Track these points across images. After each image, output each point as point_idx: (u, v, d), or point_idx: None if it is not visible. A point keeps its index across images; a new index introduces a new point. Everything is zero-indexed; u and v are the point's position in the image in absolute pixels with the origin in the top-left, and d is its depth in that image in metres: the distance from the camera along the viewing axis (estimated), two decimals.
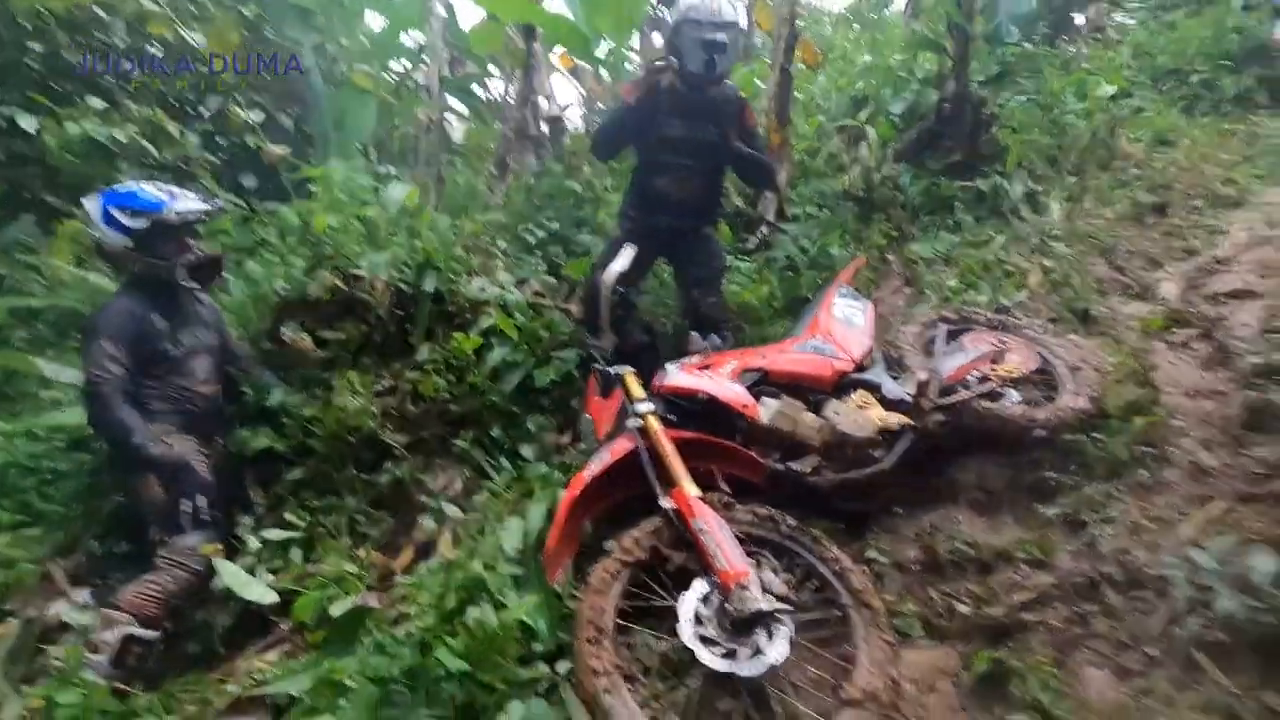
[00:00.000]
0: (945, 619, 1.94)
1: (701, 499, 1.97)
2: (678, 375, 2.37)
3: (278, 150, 4.68)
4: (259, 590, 2.25)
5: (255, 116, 5.19)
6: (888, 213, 4.66)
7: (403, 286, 3.19)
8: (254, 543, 2.53)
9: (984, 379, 2.54)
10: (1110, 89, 5.52)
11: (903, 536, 2.30)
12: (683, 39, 2.77)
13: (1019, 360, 2.66)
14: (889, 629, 1.84)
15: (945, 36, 4.95)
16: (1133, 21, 9.18)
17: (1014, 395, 2.62)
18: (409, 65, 6.72)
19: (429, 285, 3.17)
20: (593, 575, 1.89)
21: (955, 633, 1.89)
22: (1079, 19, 7.79)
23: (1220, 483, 2.11)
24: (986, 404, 2.46)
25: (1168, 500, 2.11)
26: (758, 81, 5.61)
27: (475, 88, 5.29)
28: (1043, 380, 2.73)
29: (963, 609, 1.91)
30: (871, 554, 2.22)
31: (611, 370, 2.39)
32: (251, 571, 2.40)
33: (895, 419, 2.33)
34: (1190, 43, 7.03)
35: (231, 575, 2.26)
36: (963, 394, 2.44)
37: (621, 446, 2.15)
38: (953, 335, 2.85)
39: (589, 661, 1.70)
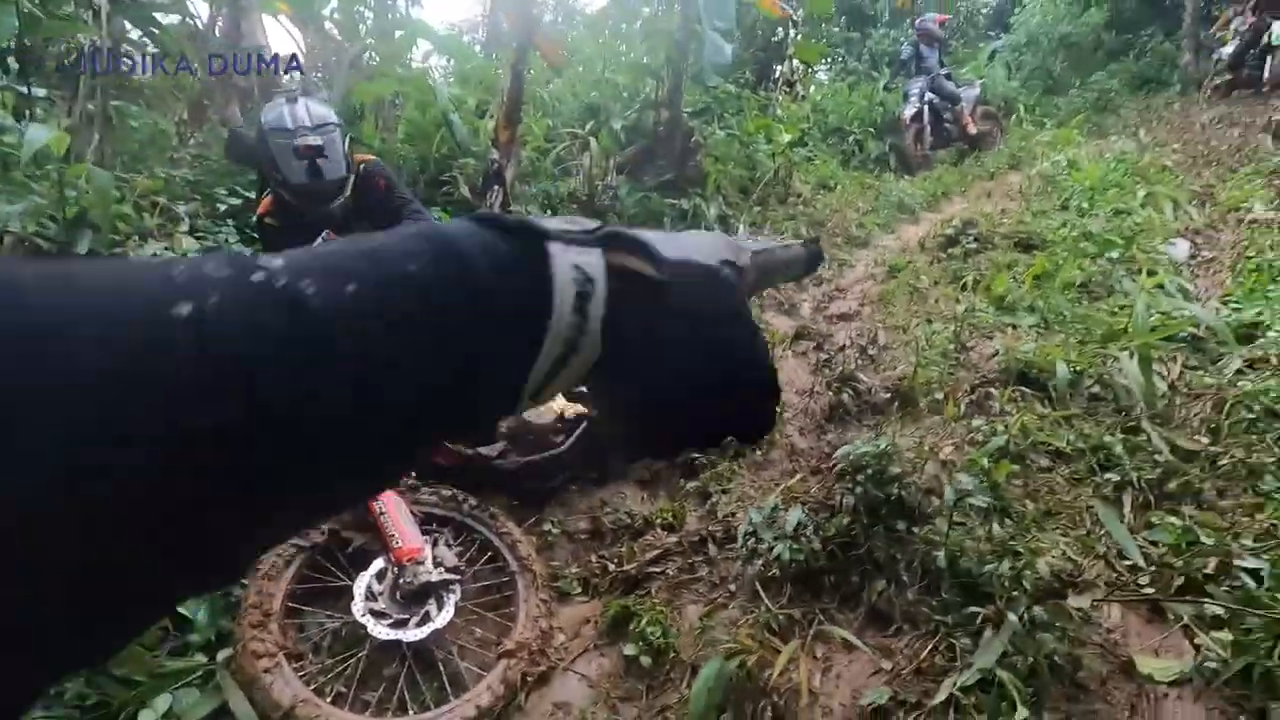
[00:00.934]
0: (599, 578, 2.31)
1: None
2: None
3: None
4: None
5: None
6: (605, 219, 5.10)
7: (43, 244, 2.73)
8: None
9: None
10: (789, 136, 6.67)
11: (577, 511, 2.66)
12: (277, 152, 2.31)
13: None
14: (548, 589, 2.14)
15: (664, 67, 5.57)
16: (825, 79, 11.13)
17: None
18: None
19: (83, 246, 2.76)
20: (262, 562, 1.90)
21: (605, 588, 2.27)
22: (777, 71, 9.22)
23: (805, 460, 2.80)
24: None
25: (770, 474, 2.74)
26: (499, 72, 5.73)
27: (166, 19, 4.57)
28: None
29: (612, 568, 2.29)
30: (547, 527, 2.53)
31: None
32: None
33: (574, 409, 2.67)
34: (852, 108, 8.77)
35: None
36: None
37: None
38: None
39: (251, 645, 1.72)
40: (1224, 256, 4.14)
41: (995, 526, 2.03)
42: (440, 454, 2.41)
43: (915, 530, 2.06)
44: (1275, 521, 2.00)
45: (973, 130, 8.31)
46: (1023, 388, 2.91)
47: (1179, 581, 1.83)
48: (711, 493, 2.61)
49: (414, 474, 2.26)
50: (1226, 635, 1.63)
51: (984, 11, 14.59)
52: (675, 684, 1.84)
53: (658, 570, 2.23)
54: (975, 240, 4.76)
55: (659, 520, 2.48)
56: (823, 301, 4.47)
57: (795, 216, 6.04)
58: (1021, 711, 1.52)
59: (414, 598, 1.92)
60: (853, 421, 2.97)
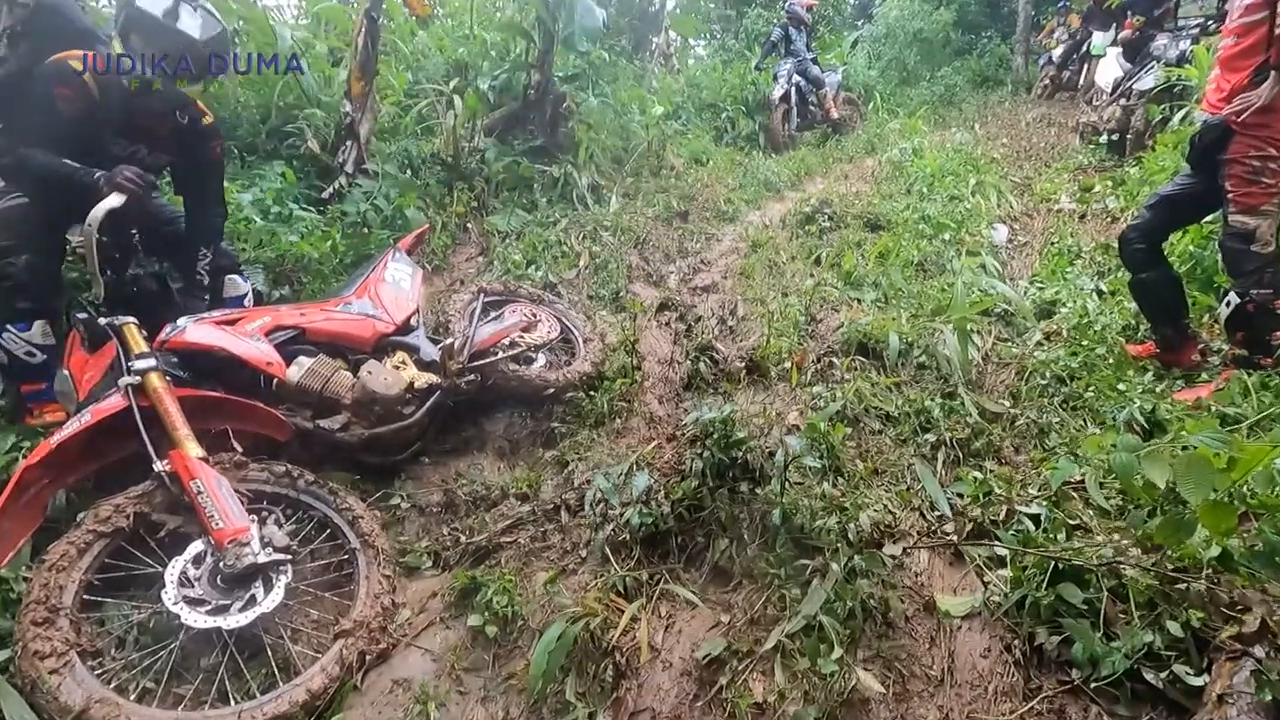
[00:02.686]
0: (451, 550, 2.25)
1: (204, 460, 1.90)
2: (193, 330, 2.20)
3: None
4: None
5: None
6: (472, 184, 4.92)
7: None
8: None
9: (513, 345, 2.95)
10: (661, 109, 6.71)
11: (429, 483, 2.57)
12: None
13: (545, 330, 3.15)
14: (393, 565, 2.06)
15: (534, 28, 5.39)
16: (702, 52, 11.26)
17: (541, 359, 3.11)
18: None
19: None
20: (50, 552, 1.68)
21: (456, 561, 2.22)
22: (653, 42, 9.21)
23: (662, 428, 2.87)
24: (512, 366, 2.88)
25: (628, 441, 2.78)
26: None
27: None
28: (565, 347, 3.30)
29: (464, 539, 2.25)
30: (396, 500, 2.43)
31: (103, 321, 2.09)
32: None
33: (425, 379, 2.57)
34: (725, 86, 8.94)
35: None
36: (493, 358, 2.81)
37: (108, 406, 1.93)
38: (496, 305, 3.23)
39: (33, 645, 1.53)
40: (1035, 241, 4.65)
41: (828, 485, 2.18)
42: (275, 428, 2.24)
43: (758, 491, 2.17)
44: (1051, 472, 2.29)
45: (835, 114, 8.76)
46: (861, 358, 3.13)
47: (972, 528, 2.05)
48: (569, 461, 2.61)
49: (239, 451, 2.09)
50: (1008, 573, 1.85)
51: (851, 2, 15.33)
52: (523, 651, 1.84)
53: (509, 540, 2.21)
54: (830, 219, 5.04)
55: (514, 490, 2.45)
56: (688, 274, 4.57)
57: (667, 189, 6.09)
58: (836, 651, 1.66)
59: (237, 581, 1.78)
60: (709, 390, 3.07)
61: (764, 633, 1.81)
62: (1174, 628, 1.57)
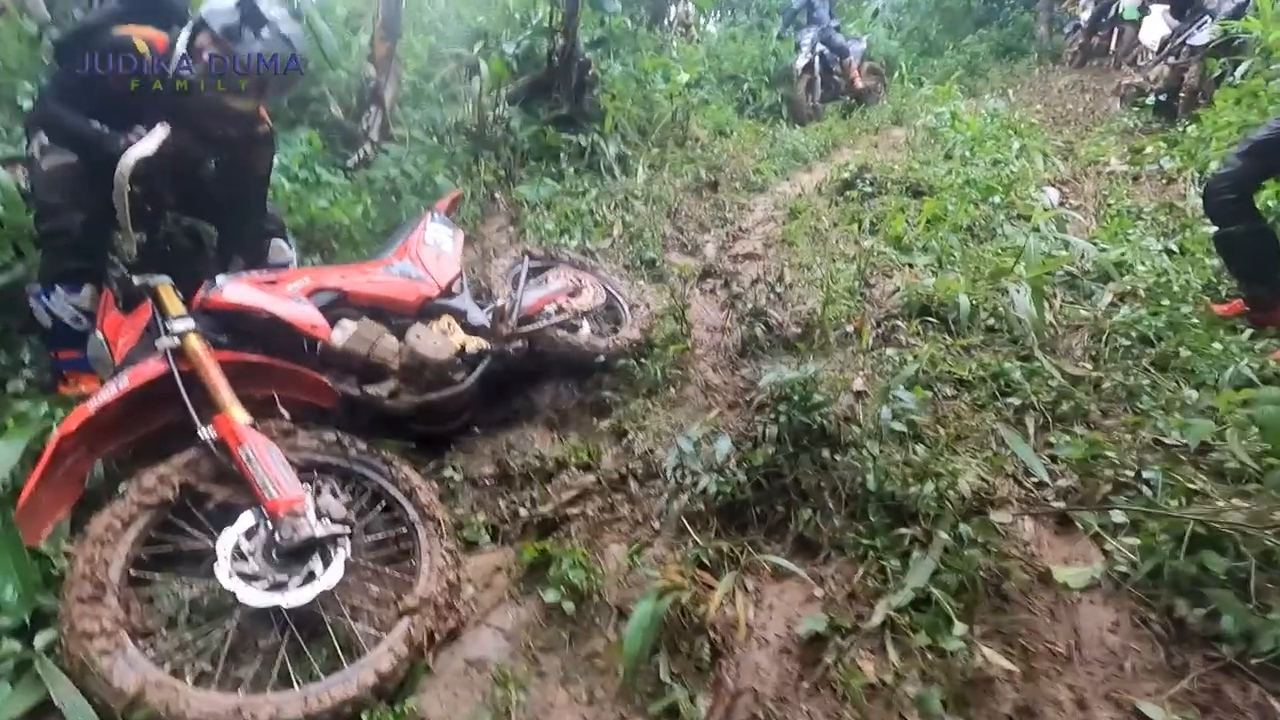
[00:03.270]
0: (509, 524, 2.11)
1: (252, 426, 1.75)
2: (232, 290, 2.05)
3: None
4: None
5: None
6: (498, 152, 4.75)
7: None
8: None
9: (560, 310, 2.79)
10: (687, 76, 6.49)
11: (480, 455, 2.43)
12: None
13: (591, 296, 2.99)
14: (453, 538, 1.92)
15: None
16: (714, 29, 10.98)
17: (586, 327, 2.95)
18: None
19: None
20: (92, 525, 1.54)
21: (517, 534, 2.07)
22: (672, 12, 8.97)
23: (720, 395, 2.71)
24: (561, 332, 2.72)
25: (685, 411, 2.63)
26: None
27: None
28: (610, 315, 3.13)
29: (524, 512, 2.10)
30: (448, 472, 2.28)
31: (137, 280, 1.94)
32: None
33: (475, 343, 2.41)
34: (745, 57, 8.70)
35: None
36: (540, 323, 2.66)
37: (146, 371, 1.78)
38: (538, 271, 3.07)
39: (80, 624, 1.39)
40: (1088, 204, 4.45)
41: (917, 449, 2.02)
42: (321, 395, 2.09)
43: (838, 458, 2.01)
44: (1157, 436, 2.12)
45: (859, 84, 8.51)
46: (925, 320, 2.96)
47: (1079, 496, 1.89)
48: (626, 430, 2.46)
49: (287, 417, 1.94)
50: (1134, 540, 1.69)
51: None
52: (600, 629, 1.70)
53: (576, 511, 2.06)
54: (871, 185, 4.84)
55: (573, 460, 2.31)
56: (727, 242, 4.39)
57: (694, 160, 5.90)
58: (959, 627, 1.50)
59: (294, 556, 1.64)
60: (765, 356, 2.91)
61: (865, 608, 1.66)
62: None
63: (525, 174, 4.86)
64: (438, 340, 2.31)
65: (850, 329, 2.91)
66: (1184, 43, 5.35)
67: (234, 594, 1.55)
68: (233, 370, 1.90)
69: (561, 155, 5.10)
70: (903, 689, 1.47)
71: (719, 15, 12.11)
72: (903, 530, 1.79)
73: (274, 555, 1.63)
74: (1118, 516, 1.80)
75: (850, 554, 1.82)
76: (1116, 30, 8.50)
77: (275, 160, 3.15)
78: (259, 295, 2.08)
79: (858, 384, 2.48)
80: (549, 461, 2.37)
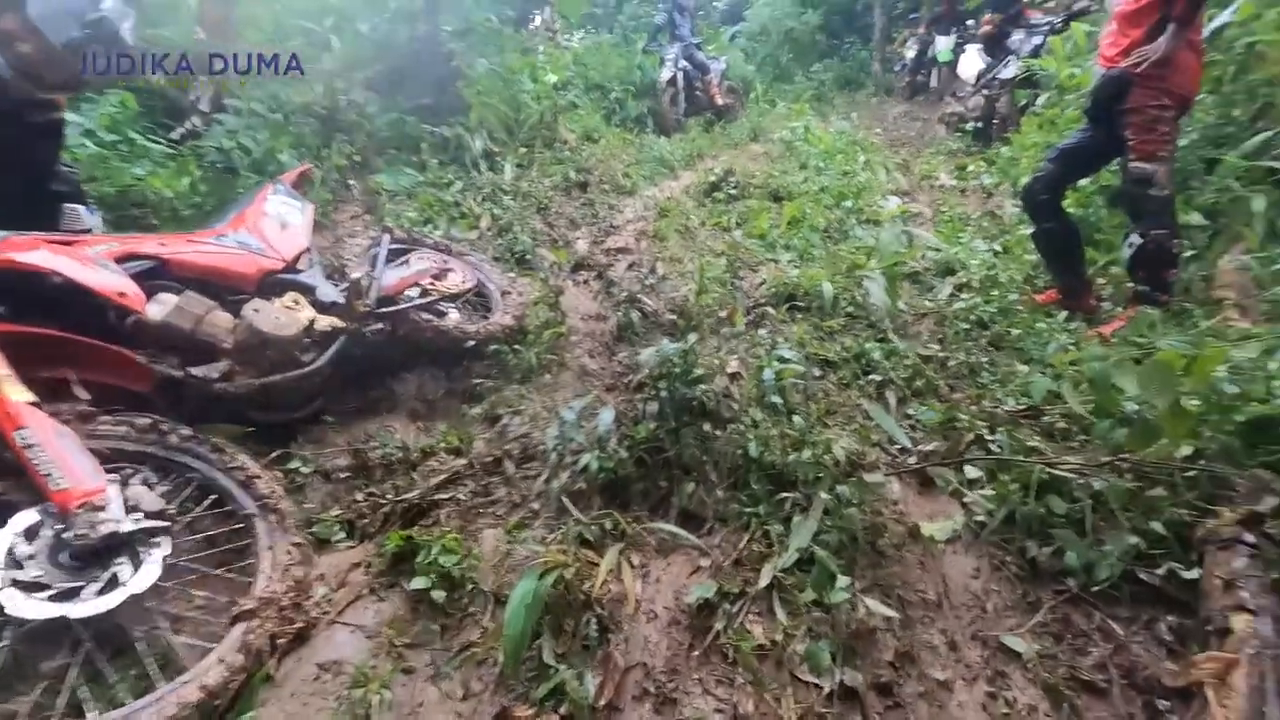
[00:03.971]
0: (368, 518, 1.89)
1: (34, 406, 1.44)
2: (14, 246, 1.68)
3: None
4: None
5: None
6: (353, 137, 4.41)
7: None
8: None
9: (425, 293, 2.59)
10: (554, 78, 6.43)
11: (333, 446, 2.18)
12: None
13: (460, 279, 2.81)
14: (299, 532, 1.68)
15: None
16: (577, 43, 11.02)
17: (454, 312, 2.77)
18: None
19: None
20: None
21: (377, 528, 1.86)
22: (538, 19, 8.90)
23: (597, 380, 2.64)
24: (426, 316, 2.52)
25: (562, 395, 2.52)
26: None
27: None
28: (480, 301, 2.97)
29: (386, 502, 1.89)
30: (294, 464, 2.02)
31: None
32: None
33: (327, 321, 2.16)
34: (612, 67, 8.78)
35: None
36: (402, 305, 2.45)
37: None
38: (400, 253, 2.84)
39: None
40: (925, 211, 4.88)
41: (794, 420, 2.06)
42: (133, 376, 1.77)
43: (718, 432, 2.00)
44: (997, 405, 2.31)
45: (720, 101, 8.87)
46: (793, 308, 3.07)
47: (938, 457, 2.00)
48: (500, 415, 2.32)
49: (86, 399, 1.62)
50: (988, 492, 1.81)
51: (717, 5, 15.69)
52: (475, 618, 1.55)
53: (446, 497, 1.88)
54: (735, 188, 5.02)
55: (443, 446, 2.13)
56: (598, 237, 4.35)
57: (563, 160, 5.83)
58: (842, 580, 1.52)
59: (93, 558, 1.35)
60: (641, 341, 2.87)
61: (751, 573, 1.64)
62: (1157, 527, 1.58)
63: (383, 162, 4.55)
64: (280, 316, 2.04)
65: (723, 315, 2.95)
66: (995, 77, 6.07)
67: (2, 607, 1.24)
68: (15, 344, 1.55)
69: (423, 146, 4.83)
70: (792, 647, 1.45)
71: (584, 28, 12.23)
72: (784, 495, 1.80)
73: (64, 558, 1.34)
74: (972, 472, 1.93)
75: (734, 523, 1.80)
76: (936, 69, 9.52)
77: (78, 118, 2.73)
78: (49, 256, 1.72)
79: (733, 365, 2.50)
80: (414, 452, 2.17)
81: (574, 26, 10.25)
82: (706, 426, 1.99)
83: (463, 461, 2.01)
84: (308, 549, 1.66)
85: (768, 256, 3.85)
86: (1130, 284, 2.79)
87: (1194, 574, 1.48)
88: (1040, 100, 5.17)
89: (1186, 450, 1.68)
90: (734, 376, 2.39)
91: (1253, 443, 1.70)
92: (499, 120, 5.74)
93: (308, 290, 2.25)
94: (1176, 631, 1.44)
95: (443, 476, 1.93)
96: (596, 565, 1.60)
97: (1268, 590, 1.31)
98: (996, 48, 6.35)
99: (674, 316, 3.00)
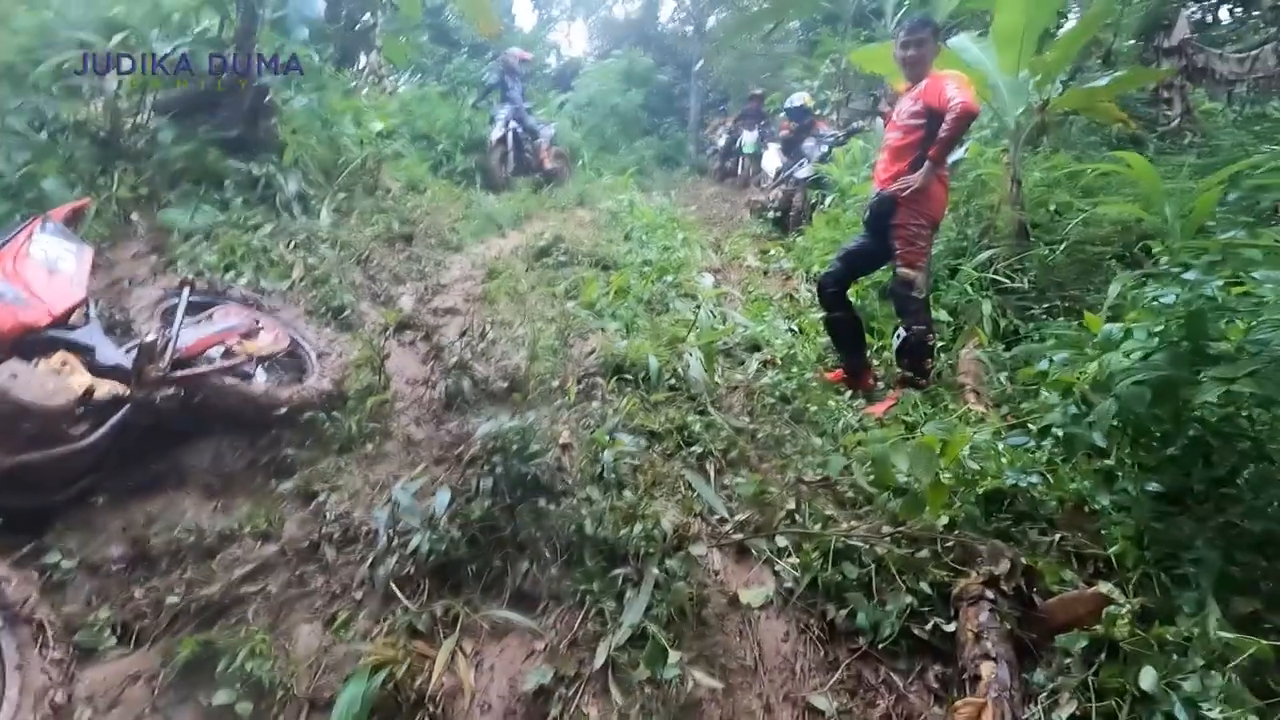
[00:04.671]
0: (149, 618, 1.65)
1: None
2: None
3: None
4: None
5: None
6: (138, 166, 3.92)
7: None
8: None
9: (229, 353, 2.36)
10: (380, 125, 6.24)
11: (103, 532, 1.87)
12: None
13: (270, 339, 2.59)
14: (63, 645, 1.42)
15: (233, 2, 4.59)
16: (405, 88, 10.80)
17: (261, 375, 2.54)
18: None
19: None
20: None
21: (161, 630, 1.62)
22: (363, 60, 8.61)
23: (424, 450, 2.55)
24: (230, 380, 2.29)
25: (386, 468, 2.40)
26: None
27: None
28: (292, 362, 2.75)
29: (173, 600, 1.66)
30: (53, 557, 1.71)
31: None
32: None
33: (108, 387, 1.88)
34: (440, 119, 8.72)
35: None
36: (204, 367, 2.20)
37: None
38: (202, 307, 2.57)
39: None
40: (735, 289, 5.39)
41: (624, 495, 2.15)
42: None
43: (553, 507, 2.04)
44: (799, 475, 2.60)
45: (548, 165, 9.14)
46: (621, 378, 3.22)
47: (753, 527, 2.20)
48: (316, 491, 2.15)
49: None
50: (795, 560, 2.02)
51: (546, 73, 16.31)
52: None
53: (253, 590, 1.70)
54: (565, 254, 5.18)
55: (247, 530, 1.91)
56: (425, 295, 4.24)
57: (386, 210, 5.64)
58: (673, 655, 1.60)
59: None
60: (471, 410, 2.83)
61: (587, 652, 1.67)
62: (925, 588, 1.87)
63: (176, 196, 4.08)
64: (46, 382, 1.74)
65: (556, 384, 3.01)
66: (792, 175, 6.96)
67: None
68: None
69: (227, 182, 4.42)
70: None
71: (411, 76, 12.03)
72: (617, 571, 1.87)
73: None
74: (782, 541, 2.14)
75: (569, 601, 1.83)
76: (743, 159, 10.66)
77: None
78: None
79: (565, 436, 2.56)
80: (209, 535, 1.93)
81: (400, 71, 10.05)
82: (542, 502, 2.02)
83: (273, 547, 1.83)
84: (70, 665, 1.40)
85: (597, 325, 4.00)
86: (897, 369, 3.30)
87: (953, 627, 1.77)
88: (828, 200, 6.02)
89: (944, 520, 2.02)
90: (565, 448, 2.45)
91: (989, 511, 2.09)
92: (316, 161, 5.43)
93: (84, 350, 1.95)
94: (942, 680, 1.70)
95: (249, 566, 1.74)
96: (428, 658, 1.53)
97: (1005, 639, 1.62)
98: (793, 149, 7.29)
99: (505, 384, 3.00)
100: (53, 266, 2.05)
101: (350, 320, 3.62)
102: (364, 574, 1.79)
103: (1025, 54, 3.97)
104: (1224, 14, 8.01)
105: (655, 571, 1.80)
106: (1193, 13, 7.50)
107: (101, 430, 1.83)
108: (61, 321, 1.97)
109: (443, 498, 1.84)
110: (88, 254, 2.23)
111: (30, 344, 1.87)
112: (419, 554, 1.78)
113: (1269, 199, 3.81)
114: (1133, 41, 7.27)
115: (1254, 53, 6.24)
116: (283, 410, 2.37)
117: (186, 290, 2.38)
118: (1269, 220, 3.40)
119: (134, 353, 1.99)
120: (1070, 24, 6.07)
